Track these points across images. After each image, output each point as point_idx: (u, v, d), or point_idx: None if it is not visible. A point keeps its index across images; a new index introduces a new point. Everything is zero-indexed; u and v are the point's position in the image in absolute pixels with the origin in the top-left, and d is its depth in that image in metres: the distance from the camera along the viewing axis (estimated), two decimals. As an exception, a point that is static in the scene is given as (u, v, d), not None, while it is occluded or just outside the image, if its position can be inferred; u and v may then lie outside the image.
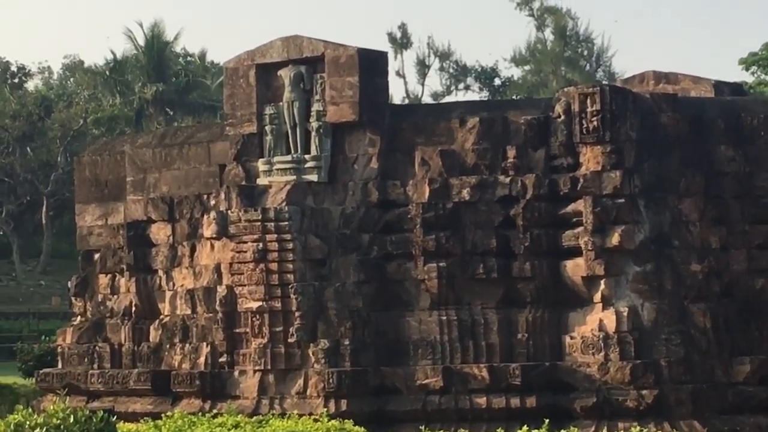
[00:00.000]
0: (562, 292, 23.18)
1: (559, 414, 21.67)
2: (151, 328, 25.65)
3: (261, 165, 24.65)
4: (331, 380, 22.86)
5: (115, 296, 26.42)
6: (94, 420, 12.62)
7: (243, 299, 23.95)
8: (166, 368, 25.03)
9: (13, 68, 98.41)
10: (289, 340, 23.50)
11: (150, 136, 28.36)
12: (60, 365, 26.91)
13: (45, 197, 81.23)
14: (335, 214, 24.02)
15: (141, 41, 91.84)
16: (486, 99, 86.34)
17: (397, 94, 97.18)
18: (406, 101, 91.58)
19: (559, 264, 23.08)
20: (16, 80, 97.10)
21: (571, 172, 23.05)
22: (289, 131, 24.49)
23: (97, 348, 26.07)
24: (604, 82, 69.18)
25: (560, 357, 22.94)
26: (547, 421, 18.67)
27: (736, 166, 23.78)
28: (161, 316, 25.65)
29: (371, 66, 24.40)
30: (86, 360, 26.13)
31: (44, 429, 12.07)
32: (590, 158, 22.95)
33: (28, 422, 12.27)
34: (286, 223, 23.55)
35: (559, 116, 23.29)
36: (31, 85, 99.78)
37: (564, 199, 23.11)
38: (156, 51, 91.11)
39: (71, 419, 12.34)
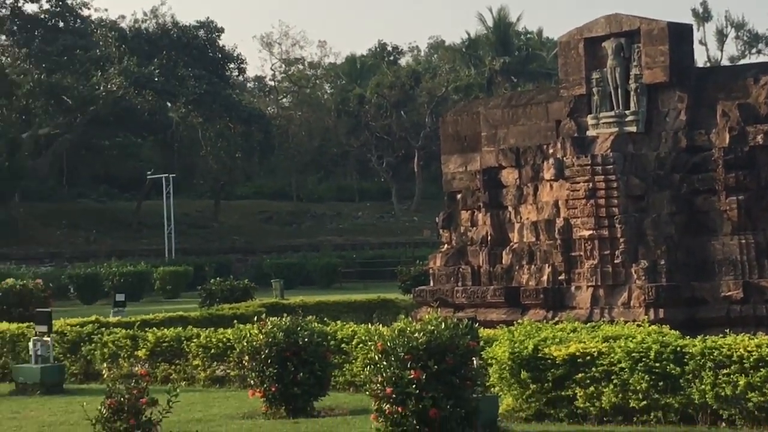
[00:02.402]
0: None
1: None
2: (503, 253, 26.14)
3: (589, 120, 24.81)
4: (650, 293, 22.91)
5: (474, 228, 26.99)
6: (461, 326, 13.18)
7: (577, 229, 24.21)
8: (516, 285, 25.48)
9: (389, 48, 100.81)
10: (615, 261, 23.63)
11: (499, 99, 28.82)
12: (431, 283, 27.67)
13: (416, 150, 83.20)
14: (651, 158, 23.95)
15: (490, 23, 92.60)
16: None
17: (700, 59, 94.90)
18: (708, 65, 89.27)
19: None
20: (392, 58, 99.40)
21: None
22: (612, 92, 24.55)
23: (460, 269, 26.72)
24: None
25: None
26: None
27: None
28: (511, 244, 26.10)
29: (679, 36, 24.18)
30: (452, 279, 26.80)
31: (422, 332, 12.70)
32: None
33: (408, 328, 12.93)
34: (611, 166, 23.67)
35: (841, 71, 22.56)
36: (403, 61, 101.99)
37: None
38: (502, 30, 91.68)
39: (443, 325, 12.93)
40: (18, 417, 17.14)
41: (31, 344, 20.99)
